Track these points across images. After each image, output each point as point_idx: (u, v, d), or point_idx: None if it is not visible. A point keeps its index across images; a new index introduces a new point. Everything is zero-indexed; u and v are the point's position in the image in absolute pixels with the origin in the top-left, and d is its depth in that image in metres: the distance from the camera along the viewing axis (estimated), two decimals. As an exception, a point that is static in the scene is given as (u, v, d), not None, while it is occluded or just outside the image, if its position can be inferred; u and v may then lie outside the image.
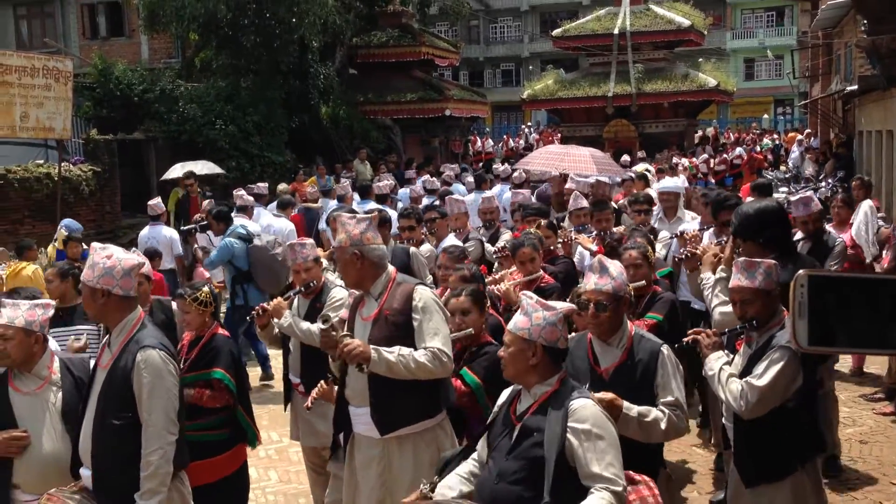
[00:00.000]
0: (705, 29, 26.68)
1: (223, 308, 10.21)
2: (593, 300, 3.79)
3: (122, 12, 28.77)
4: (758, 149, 28.55)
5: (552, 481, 3.00)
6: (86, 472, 3.73)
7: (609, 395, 3.54)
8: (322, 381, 4.56)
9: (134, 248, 6.49)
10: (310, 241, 5.71)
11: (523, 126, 40.79)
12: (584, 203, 8.01)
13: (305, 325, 5.12)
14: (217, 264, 9.19)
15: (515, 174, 14.03)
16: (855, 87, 17.77)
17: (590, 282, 3.87)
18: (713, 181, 18.66)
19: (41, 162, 15.38)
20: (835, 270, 5.75)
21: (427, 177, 15.12)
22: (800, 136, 28.80)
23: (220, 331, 5.11)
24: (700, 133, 30.11)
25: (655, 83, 23.82)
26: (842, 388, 7.69)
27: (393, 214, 8.82)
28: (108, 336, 3.86)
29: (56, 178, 14.30)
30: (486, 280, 5.58)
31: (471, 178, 14.02)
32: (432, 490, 3.31)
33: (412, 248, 7.08)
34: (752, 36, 52.24)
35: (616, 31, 24.15)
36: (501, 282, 5.60)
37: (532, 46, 53.41)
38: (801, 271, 2.02)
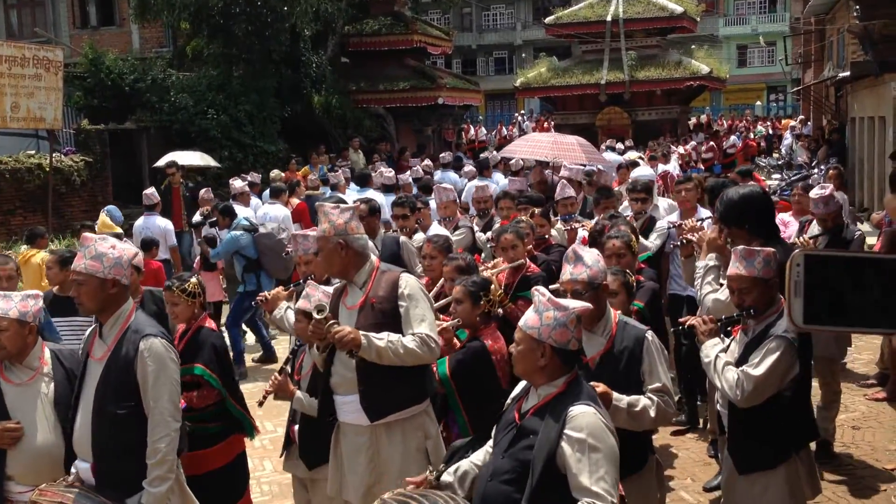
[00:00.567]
0: (698, 16, 26.68)
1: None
2: (570, 290, 3.78)
3: (113, 1, 28.61)
4: (752, 136, 28.59)
5: (537, 487, 2.92)
6: (82, 465, 3.72)
7: (601, 388, 3.52)
8: (275, 374, 4.59)
9: (126, 239, 6.48)
10: (312, 233, 5.68)
11: (516, 114, 40.71)
12: (571, 192, 8.02)
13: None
14: (223, 256, 9.48)
15: (512, 161, 14.03)
16: (847, 73, 17.78)
17: (566, 272, 3.87)
18: (702, 168, 18.63)
19: (32, 152, 15.32)
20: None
21: (428, 161, 15.14)
22: (793, 123, 28.83)
23: (208, 323, 5.06)
24: (694, 120, 30.14)
25: (648, 70, 23.81)
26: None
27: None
28: (96, 328, 3.84)
29: (47, 169, 14.25)
30: (480, 268, 5.57)
31: (468, 168, 14.00)
32: (438, 478, 3.29)
33: (402, 238, 7.08)
34: (745, 22, 52.23)
35: (609, 19, 24.12)
36: (494, 269, 5.60)
37: (525, 34, 53.29)
38: (796, 250, 2.03)
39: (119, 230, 9.58)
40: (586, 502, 2.84)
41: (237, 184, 11.25)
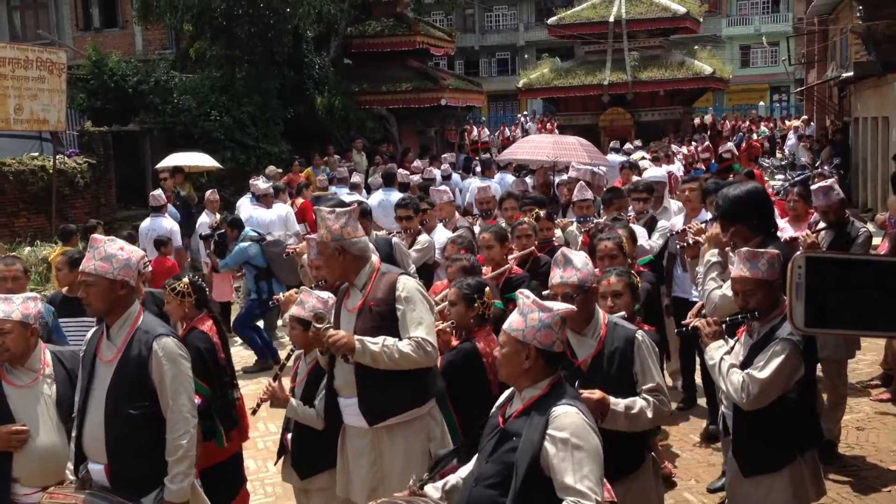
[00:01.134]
0: (701, 16, 26.63)
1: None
2: (560, 293, 3.76)
3: (116, 3, 28.65)
4: (755, 136, 28.52)
5: (521, 489, 2.91)
6: (95, 467, 3.74)
7: (597, 395, 3.52)
8: (269, 381, 4.57)
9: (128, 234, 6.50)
10: None
11: (519, 115, 40.69)
12: (589, 194, 7.93)
13: None
14: (231, 266, 9.66)
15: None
16: (850, 73, 17.75)
17: (555, 275, 3.85)
18: (704, 168, 18.61)
19: (36, 154, 15.33)
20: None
21: (447, 165, 15.19)
22: (796, 123, 28.77)
23: (204, 325, 5.03)
24: (698, 121, 30.09)
25: (651, 71, 23.78)
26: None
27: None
28: (101, 329, 3.85)
29: (51, 171, 14.27)
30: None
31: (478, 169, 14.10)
32: (421, 487, 3.28)
33: (395, 239, 7.06)
34: (748, 23, 52.14)
35: (611, 19, 24.07)
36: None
37: (527, 35, 53.23)
38: (798, 252, 2.02)
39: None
40: (571, 501, 2.84)
41: (261, 185, 11.04)
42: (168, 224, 10.69)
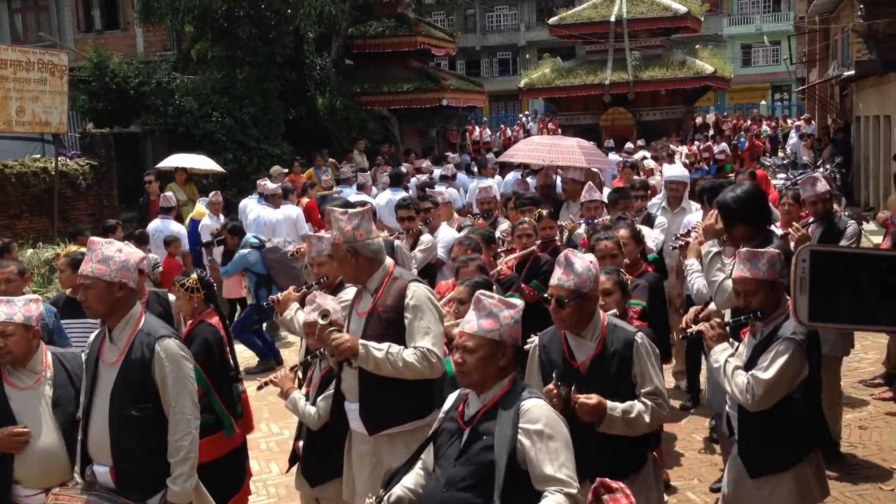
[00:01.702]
0: (702, 15, 26.62)
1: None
2: (555, 295, 3.75)
3: (117, 5, 28.70)
4: (758, 136, 28.51)
5: (505, 485, 2.90)
6: (101, 469, 3.74)
7: (594, 399, 3.51)
8: (287, 368, 4.57)
9: (131, 236, 6.50)
10: (328, 235, 5.65)
11: (521, 115, 40.68)
12: (598, 195, 7.91)
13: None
14: (232, 273, 9.68)
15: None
16: (852, 72, 17.74)
17: (554, 276, 3.82)
18: (705, 168, 18.62)
19: (38, 156, 15.34)
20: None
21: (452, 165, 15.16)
22: (798, 122, 28.75)
23: (212, 319, 5.07)
24: (700, 120, 30.08)
25: (652, 70, 23.78)
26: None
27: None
28: (103, 331, 3.85)
29: (53, 173, 14.28)
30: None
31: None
32: (378, 503, 3.19)
33: (396, 242, 6.99)
34: (749, 22, 52.11)
35: (612, 19, 24.08)
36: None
37: (528, 35, 53.23)
38: (802, 246, 2.01)
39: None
40: (553, 490, 2.85)
41: (269, 185, 11.03)
42: (175, 227, 10.67)
